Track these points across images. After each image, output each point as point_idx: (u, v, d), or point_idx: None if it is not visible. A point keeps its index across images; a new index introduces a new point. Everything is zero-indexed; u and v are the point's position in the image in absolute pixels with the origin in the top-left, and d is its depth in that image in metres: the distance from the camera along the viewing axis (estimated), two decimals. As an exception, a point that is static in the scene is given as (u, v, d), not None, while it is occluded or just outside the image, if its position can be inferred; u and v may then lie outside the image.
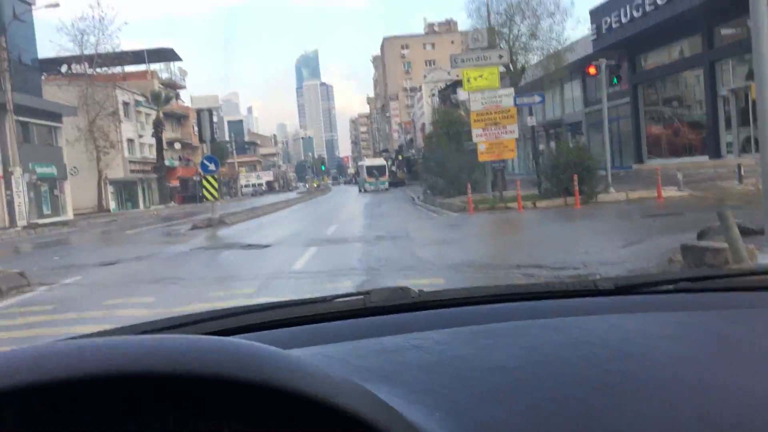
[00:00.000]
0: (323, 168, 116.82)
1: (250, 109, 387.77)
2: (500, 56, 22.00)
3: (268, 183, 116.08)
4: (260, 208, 34.21)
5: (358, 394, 0.66)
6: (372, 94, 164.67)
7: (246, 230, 21.48)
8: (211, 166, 23.96)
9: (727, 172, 22.45)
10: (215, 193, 24.31)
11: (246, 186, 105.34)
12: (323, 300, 1.41)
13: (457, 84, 43.74)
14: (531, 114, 23.10)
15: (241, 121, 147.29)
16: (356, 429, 0.60)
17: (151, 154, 61.02)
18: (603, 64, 19.86)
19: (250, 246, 15.33)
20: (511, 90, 21.32)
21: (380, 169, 62.62)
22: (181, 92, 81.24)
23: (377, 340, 1.12)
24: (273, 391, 0.60)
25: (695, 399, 0.84)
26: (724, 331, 1.11)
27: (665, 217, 14.09)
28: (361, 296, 1.36)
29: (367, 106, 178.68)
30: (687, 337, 1.09)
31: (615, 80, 19.30)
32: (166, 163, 62.78)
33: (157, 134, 58.62)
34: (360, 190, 59.33)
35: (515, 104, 21.05)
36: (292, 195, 69.98)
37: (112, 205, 54.21)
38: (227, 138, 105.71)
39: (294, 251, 13.56)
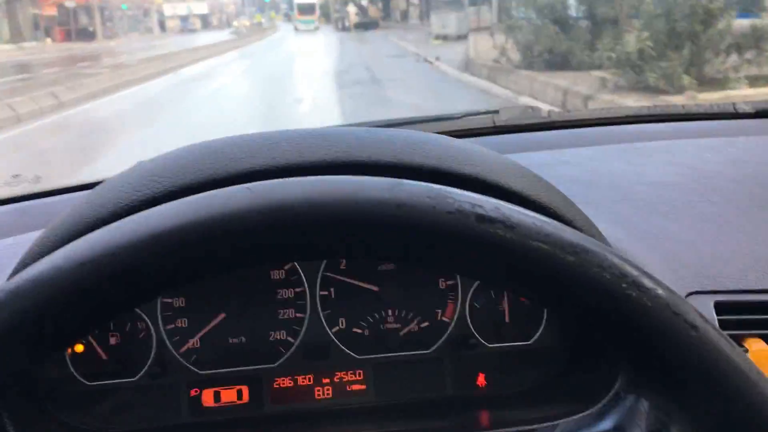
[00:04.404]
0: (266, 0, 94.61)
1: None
2: None
3: (203, 17, 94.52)
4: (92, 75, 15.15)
5: (562, 197, 0.65)
6: None
7: None
8: None
9: None
10: None
11: (171, 18, 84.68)
12: (452, 117, 1.35)
13: None
14: None
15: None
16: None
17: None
18: None
19: None
20: None
21: (311, 7, 58.09)
22: None
23: (521, 155, 1.05)
24: (507, 193, 0.60)
25: None
26: None
27: None
28: (489, 114, 1.29)
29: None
30: None
31: None
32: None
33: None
34: (295, 29, 56.26)
35: None
36: (224, 36, 50.59)
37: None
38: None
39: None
